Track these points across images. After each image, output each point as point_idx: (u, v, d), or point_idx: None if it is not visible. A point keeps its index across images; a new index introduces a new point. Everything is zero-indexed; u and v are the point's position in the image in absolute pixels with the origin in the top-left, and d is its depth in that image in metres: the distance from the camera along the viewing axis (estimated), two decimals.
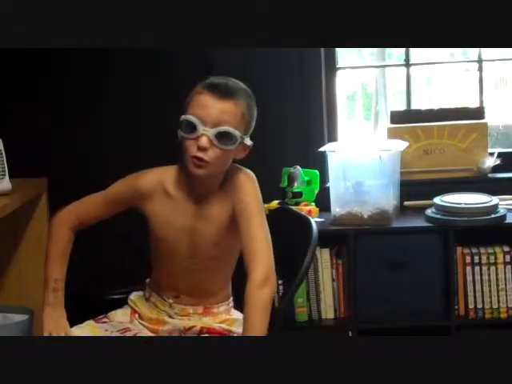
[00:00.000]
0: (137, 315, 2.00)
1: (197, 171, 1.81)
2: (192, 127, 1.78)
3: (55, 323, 1.86)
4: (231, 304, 2.03)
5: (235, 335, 1.95)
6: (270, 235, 1.85)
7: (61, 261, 1.93)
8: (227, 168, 1.89)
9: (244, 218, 1.84)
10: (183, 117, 1.80)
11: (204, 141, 1.77)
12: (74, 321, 1.94)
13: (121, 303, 2.07)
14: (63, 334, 1.85)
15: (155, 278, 2.01)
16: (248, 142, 1.86)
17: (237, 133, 1.81)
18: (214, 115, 1.78)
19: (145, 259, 2.07)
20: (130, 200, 1.93)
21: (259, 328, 1.73)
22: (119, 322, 1.98)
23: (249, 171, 1.92)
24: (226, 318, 1.99)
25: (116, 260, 3.00)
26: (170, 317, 1.97)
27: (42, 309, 1.90)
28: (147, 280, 2.05)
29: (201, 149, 1.78)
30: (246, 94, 1.85)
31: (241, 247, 1.85)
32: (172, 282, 1.96)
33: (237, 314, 2.01)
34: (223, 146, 1.79)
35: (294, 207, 2.64)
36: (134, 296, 2.05)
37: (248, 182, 1.89)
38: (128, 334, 1.94)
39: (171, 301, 1.97)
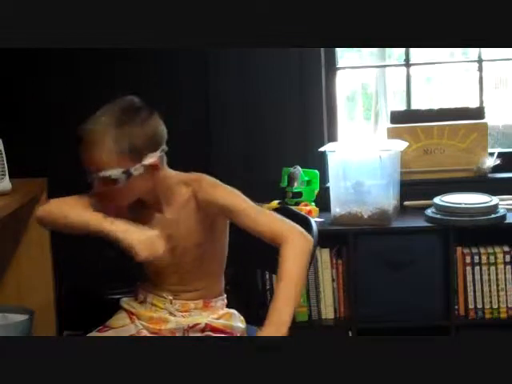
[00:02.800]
0: (135, 317, 2.00)
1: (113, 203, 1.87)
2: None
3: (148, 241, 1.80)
4: (225, 301, 2.06)
5: (235, 331, 1.99)
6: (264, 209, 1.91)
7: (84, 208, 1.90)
8: (191, 176, 1.92)
9: (238, 215, 1.86)
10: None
11: (96, 186, 1.84)
12: (74, 321, 1.93)
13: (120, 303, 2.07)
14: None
15: (150, 281, 2.02)
16: (150, 160, 1.84)
17: (115, 172, 1.80)
18: (92, 164, 1.83)
19: None
20: None
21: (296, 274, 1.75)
22: (121, 327, 1.98)
23: (200, 174, 1.94)
24: (224, 313, 2.02)
25: (115, 260, 3.00)
26: (172, 314, 1.98)
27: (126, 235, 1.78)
28: (138, 283, 2.06)
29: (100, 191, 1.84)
30: (112, 122, 1.85)
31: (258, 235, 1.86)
32: (167, 284, 1.99)
33: (232, 310, 2.05)
34: (111, 186, 1.82)
35: (293, 207, 2.64)
36: (127, 300, 2.05)
37: (215, 186, 1.91)
38: None
39: (171, 297, 1.98)
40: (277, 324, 1.68)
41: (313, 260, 2.05)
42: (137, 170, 1.82)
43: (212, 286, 2.02)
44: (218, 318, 1.99)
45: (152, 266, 1.97)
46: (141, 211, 1.93)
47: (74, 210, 1.89)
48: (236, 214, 1.86)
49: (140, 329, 1.97)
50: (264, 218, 1.85)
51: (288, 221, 1.86)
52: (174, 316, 1.98)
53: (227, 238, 2.02)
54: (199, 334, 1.96)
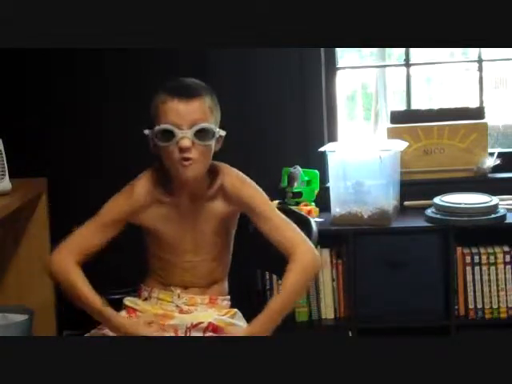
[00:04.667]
0: (137, 313, 2.01)
1: (185, 172, 1.86)
2: (169, 134, 1.84)
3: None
4: (229, 302, 2.08)
5: (237, 328, 2.00)
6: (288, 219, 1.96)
7: (91, 291, 1.90)
8: (220, 167, 1.97)
9: (259, 217, 1.94)
10: (157, 128, 1.85)
11: (186, 142, 1.83)
12: (74, 321, 1.93)
13: (120, 303, 2.07)
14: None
15: (158, 274, 2.04)
16: (222, 132, 1.92)
17: (212, 126, 1.87)
18: (187, 117, 1.84)
19: (143, 259, 2.08)
20: (128, 216, 1.96)
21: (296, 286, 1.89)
22: None
23: (226, 165, 1.99)
24: (228, 311, 2.05)
25: (114, 260, 3.00)
26: (178, 307, 2.00)
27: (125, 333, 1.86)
28: (141, 285, 2.07)
29: (184, 150, 1.83)
30: (206, 89, 1.90)
31: (271, 240, 1.94)
32: (179, 276, 2.01)
33: (235, 309, 2.07)
34: (204, 142, 1.86)
35: (293, 207, 2.64)
36: (130, 299, 2.06)
37: (243, 181, 1.97)
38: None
39: (179, 291, 2.01)
40: (260, 327, 1.85)
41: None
42: (218, 133, 1.89)
43: (219, 283, 2.05)
44: (222, 315, 2.01)
45: (170, 256, 2.00)
46: (176, 205, 1.96)
47: (81, 284, 1.91)
48: (257, 216, 1.94)
49: None
50: (282, 227, 1.93)
51: (302, 235, 1.93)
52: (180, 311, 1.99)
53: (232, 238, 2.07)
54: (201, 334, 1.96)
